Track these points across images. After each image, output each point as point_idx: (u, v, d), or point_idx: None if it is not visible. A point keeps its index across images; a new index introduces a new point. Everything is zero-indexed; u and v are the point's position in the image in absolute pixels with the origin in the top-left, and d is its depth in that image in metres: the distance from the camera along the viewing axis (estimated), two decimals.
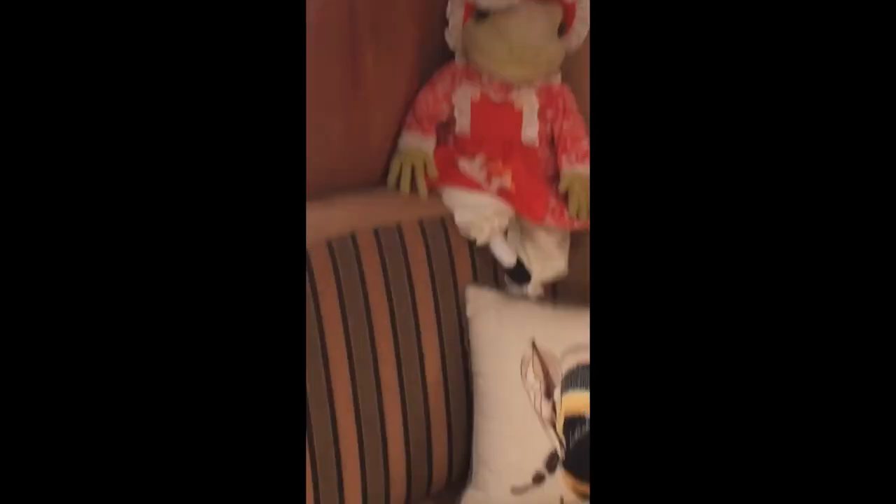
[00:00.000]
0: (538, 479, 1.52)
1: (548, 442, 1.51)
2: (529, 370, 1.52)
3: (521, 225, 1.69)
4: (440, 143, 1.66)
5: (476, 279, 1.65)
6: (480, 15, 1.55)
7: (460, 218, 1.61)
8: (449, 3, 1.60)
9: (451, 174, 1.63)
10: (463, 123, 1.64)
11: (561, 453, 1.51)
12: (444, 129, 1.67)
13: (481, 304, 1.60)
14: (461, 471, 1.63)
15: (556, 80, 1.66)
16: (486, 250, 1.65)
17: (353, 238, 1.50)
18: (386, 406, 1.52)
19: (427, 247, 1.59)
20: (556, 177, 1.67)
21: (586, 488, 1.51)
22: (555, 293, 1.76)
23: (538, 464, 1.52)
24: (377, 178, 1.65)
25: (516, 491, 1.53)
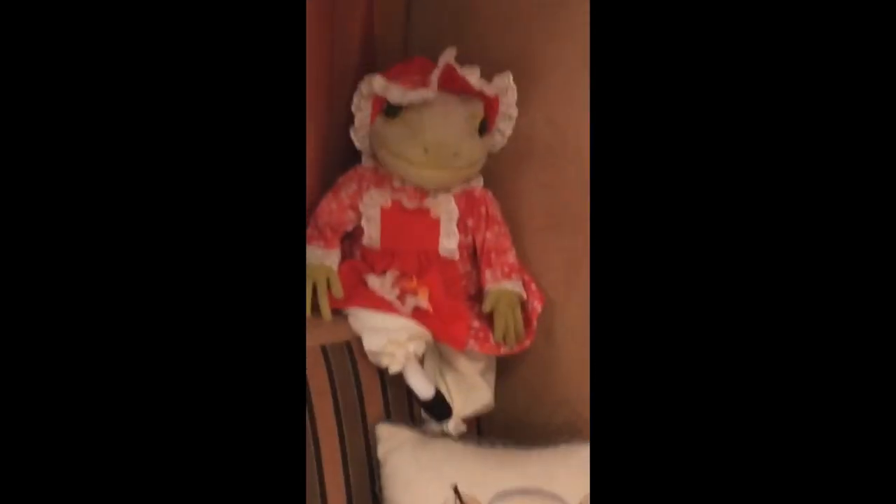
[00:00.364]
0: None
1: None
2: None
3: (440, 351, 1.63)
4: (345, 256, 1.60)
5: (388, 414, 1.59)
6: (391, 111, 1.50)
7: (369, 343, 1.52)
8: (355, 97, 1.55)
9: (358, 293, 1.55)
10: (372, 234, 1.58)
11: None
12: (350, 240, 1.62)
13: (395, 443, 1.53)
14: None
15: (478, 184, 1.62)
16: (399, 380, 1.57)
17: None
18: None
19: (331, 376, 1.50)
20: (479, 294, 1.63)
21: None
22: (479, 429, 1.71)
23: None
24: None
25: None
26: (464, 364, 1.61)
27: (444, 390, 1.60)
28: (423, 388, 1.55)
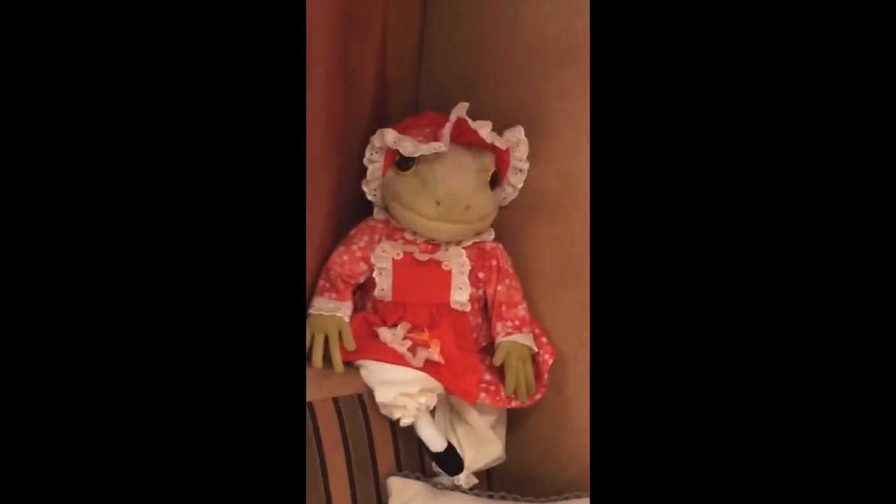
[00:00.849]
0: None
1: None
2: None
3: (452, 403, 1.63)
4: (357, 308, 1.60)
5: (399, 467, 1.57)
6: (403, 163, 1.51)
7: (381, 396, 1.51)
8: (367, 150, 1.56)
9: (369, 345, 1.54)
10: (383, 286, 1.57)
11: None
12: (362, 292, 1.62)
13: (406, 496, 1.52)
14: None
15: (489, 237, 1.63)
16: (411, 433, 1.57)
17: None
18: None
19: (342, 428, 1.49)
20: (489, 347, 1.63)
21: None
22: (490, 482, 1.70)
23: None
24: None
25: None
26: (475, 417, 1.60)
27: (455, 443, 1.58)
28: (434, 440, 1.54)
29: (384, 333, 1.53)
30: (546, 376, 1.59)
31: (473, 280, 1.58)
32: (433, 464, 1.59)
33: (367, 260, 1.56)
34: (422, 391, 1.49)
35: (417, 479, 1.54)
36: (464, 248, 1.57)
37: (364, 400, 1.53)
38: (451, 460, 1.56)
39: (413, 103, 1.76)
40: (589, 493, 1.50)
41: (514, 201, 1.62)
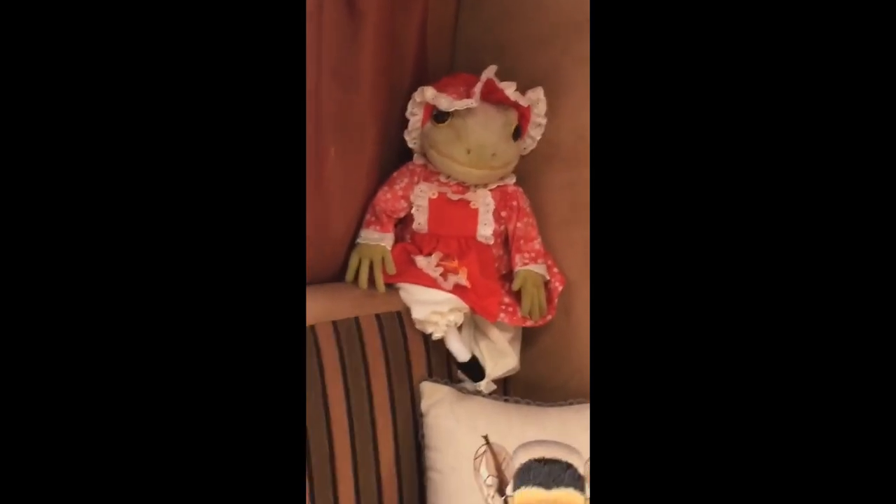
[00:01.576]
0: None
1: None
2: (482, 465, 1.51)
3: (476, 321, 1.69)
4: (398, 239, 1.66)
5: (430, 374, 1.65)
6: (439, 117, 1.57)
7: (416, 313, 1.60)
8: (409, 104, 1.62)
9: (408, 270, 1.62)
10: (420, 221, 1.65)
11: None
12: (402, 225, 1.68)
13: (436, 398, 1.60)
14: None
15: (511, 181, 1.68)
16: (440, 345, 1.65)
17: (313, 330, 1.49)
18: (341, 499, 1.50)
19: (384, 340, 1.59)
20: (509, 275, 1.68)
21: None
22: (506, 389, 1.76)
23: None
24: (336, 273, 1.65)
25: None
26: (495, 333, 1.67)
27: (478, 355, 1.66)
28: (460, 352, 1.63)
29: (420, 261, 1.62)
30: (556, 301, 1.64)
31: (497, 217, 1.64)
32: (459, 372, 1.68)
33: (407, 198, 1.63)
34: (451, 310, 1.58)
35: (445, 384, 1.61)
36: (489, 190, 1.63)
37: (402, 317, 1.61)
38: (474, 369, 1.65)
39: (449, 65, 1.79)
40: (589, 399, 1.57)
41: (533, 151, 1.66)
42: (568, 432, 1.55)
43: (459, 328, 1.65)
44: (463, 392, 1.63)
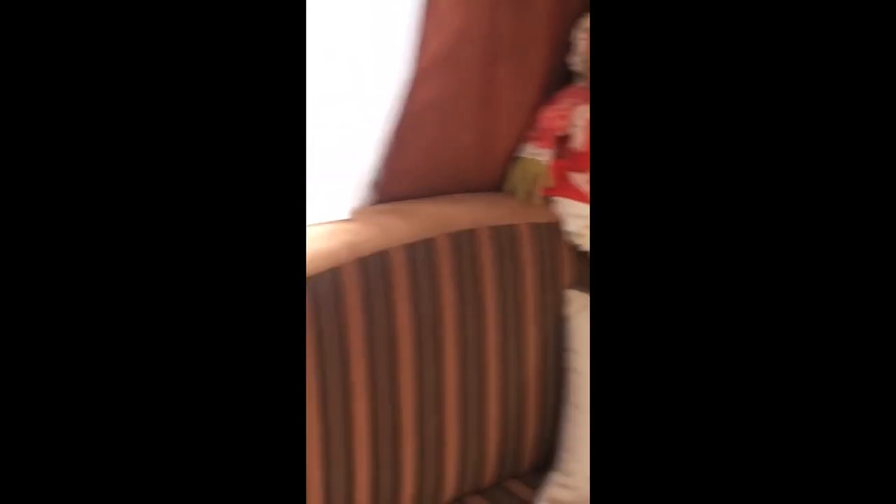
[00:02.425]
0: None
1: None
2: None
3: None
4: (558, 156, 1.72)
5: (577, 283, 1.72)
6: None
7: (569, 226, 1.69)
8: (573, 31, 1.68)
9: (563, 186, 1.70)
10: (578, 140, 1.70)
11: None
12: (561, 143, 1.73)
13: (580, 304, 1.69)
14: (548, 457, 1.72)
15: None
16: (588, 257, 1.72)
17: (473, 234, 1.61)
18: (488, 390, 1.63)
19: (538, 248, 1.67)
20: None
21: None
22: None
23: None
24: (500, 183, 1.76)
25: None
26: None
27: None
28: None
29: (575, 177, 1.69)
30: None
31: None
32: None
33: (567, 118, 1.68)
34: None
35: (589, 293, 1.55)
36: None
37: (555, 228, 1.69)
38: None
39: None
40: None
41: None
42: None
43: None
44: None
